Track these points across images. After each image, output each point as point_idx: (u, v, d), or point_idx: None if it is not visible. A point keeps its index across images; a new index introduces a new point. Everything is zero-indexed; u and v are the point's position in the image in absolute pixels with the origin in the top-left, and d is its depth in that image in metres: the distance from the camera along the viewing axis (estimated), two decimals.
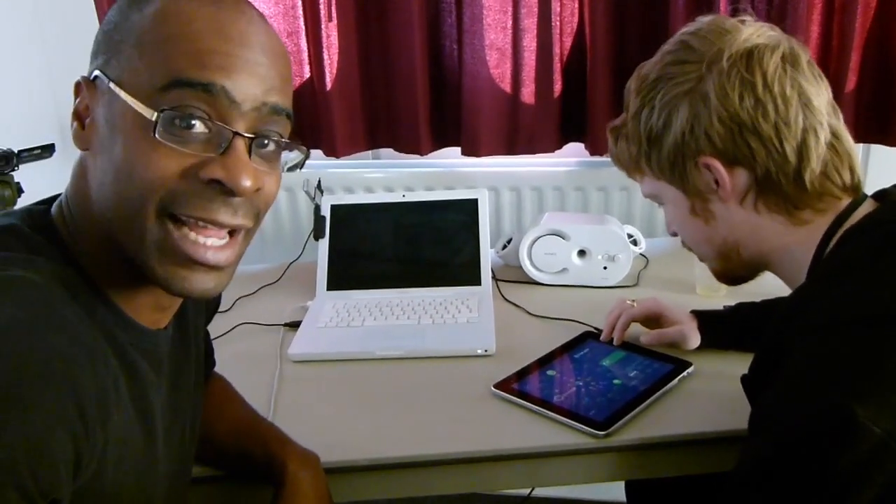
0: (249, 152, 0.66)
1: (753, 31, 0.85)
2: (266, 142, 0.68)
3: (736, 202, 0.86)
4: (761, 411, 0.73)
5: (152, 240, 0.65)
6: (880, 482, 0.62)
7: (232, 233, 0.69)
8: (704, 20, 0.88)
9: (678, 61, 0.86)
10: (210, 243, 0.67)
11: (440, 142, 1.92)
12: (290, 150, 0.72)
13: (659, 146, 0.88)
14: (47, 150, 1.51)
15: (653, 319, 1.22)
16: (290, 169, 0.74)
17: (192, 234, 0.66)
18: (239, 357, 1.25)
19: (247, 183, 0.65)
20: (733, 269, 0.94)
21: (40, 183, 1.69)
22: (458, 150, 1.89)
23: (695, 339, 1.17)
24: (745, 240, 0.88)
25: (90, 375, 0.58)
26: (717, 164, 0.84)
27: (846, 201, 0.83)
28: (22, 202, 1.45)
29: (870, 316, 0.68)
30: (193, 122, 0.63)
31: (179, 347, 0.83)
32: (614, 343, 1.21)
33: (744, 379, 0.86)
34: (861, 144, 1.78)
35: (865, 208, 0.83)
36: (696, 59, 0.85)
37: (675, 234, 0.98)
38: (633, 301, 1.24)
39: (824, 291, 0.75)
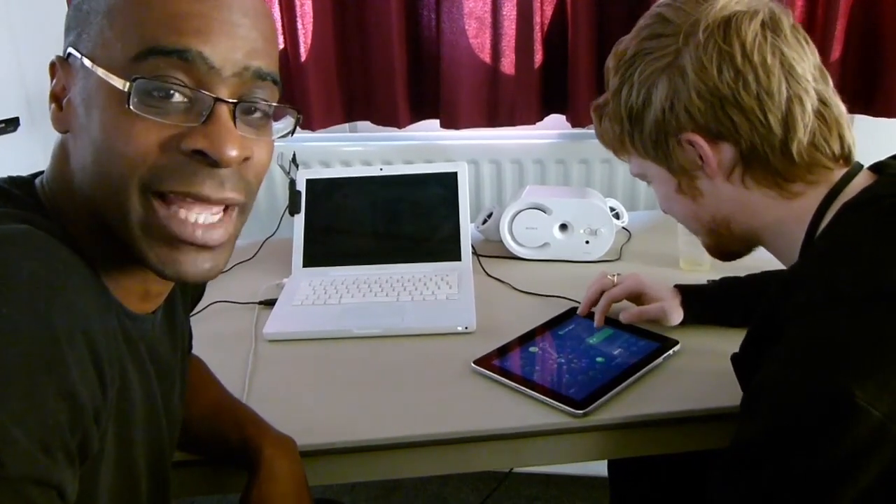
0: (234, 119, 0.61)
1: None
2: (252, 108, 0.64)
3: (723, 178, 0.84)
4: (756, 392, 0.71)
5: (136, 219, 0.61)
6: (878, 466, 0.61)
7: (225, 209, 0.64)
8: None
9: (654, 35, 0.83)
10: (201, 221, 0.63)
11: (418, 114, 1.88)
12: (280, 118, 0.68)
13: (640, 125, 0.86)
14: (11, 124, 1.47)
15: (635, 297, 1.20)
16: (283, 136, 0.69)
17: (182, 212, 0.61)
18: (212, 337, 1.22)
19: (232, 152, 0.60)
20: (725, 245, 0.92)
21: (5, 157, 1.65)
22: (436, 122, 1.86)
23: (677, 315, 1.15)
24: (736, 215, 0.86)
25: (104, 343, 0.56)
26: (700, 140, 0.82)
27: (839, 172, 0.81)
28: None
29: (869, 295, 0.66)
30: (171, 91, 0.59)
31: (167, 336, 0.79)
32: (595, 326, 1.18)
33: (734, 358, 0.84)
34: None
35: (861, 180, 0.80)
36: (672, 32, 0.82)
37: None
38: (616, 275, 1.22)
39: (822, 269, 0.72)
